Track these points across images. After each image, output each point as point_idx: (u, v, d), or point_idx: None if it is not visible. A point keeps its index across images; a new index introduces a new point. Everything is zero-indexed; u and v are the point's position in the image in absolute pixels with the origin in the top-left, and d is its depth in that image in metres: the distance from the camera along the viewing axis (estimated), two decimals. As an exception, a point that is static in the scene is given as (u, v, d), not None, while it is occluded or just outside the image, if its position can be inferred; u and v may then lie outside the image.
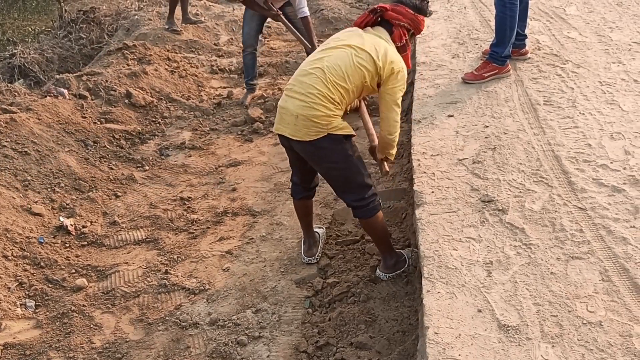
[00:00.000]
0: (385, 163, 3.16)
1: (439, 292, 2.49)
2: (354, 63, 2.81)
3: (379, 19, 3.05)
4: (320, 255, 3.50)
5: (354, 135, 2.96)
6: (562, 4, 5.54)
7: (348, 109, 3.14)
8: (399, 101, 2.89)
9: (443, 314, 2.38)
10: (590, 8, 5.36)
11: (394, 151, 3.08)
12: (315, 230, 3.59)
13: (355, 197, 3.00)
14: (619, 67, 4.19)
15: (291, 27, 5.34)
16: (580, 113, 3.69)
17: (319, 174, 3.25)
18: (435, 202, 3.08)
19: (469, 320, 2.34)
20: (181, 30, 6.96)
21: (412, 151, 3.58)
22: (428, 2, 3.10)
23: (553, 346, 2.17)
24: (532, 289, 2.45)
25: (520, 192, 3.06)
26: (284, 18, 5.26)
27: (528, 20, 4.60)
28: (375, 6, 3.07)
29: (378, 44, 2.88)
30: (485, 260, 2.63)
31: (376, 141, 3.09)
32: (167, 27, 6.97)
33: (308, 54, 5.43)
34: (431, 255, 2.71)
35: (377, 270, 3.24)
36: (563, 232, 2.73)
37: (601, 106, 3.74)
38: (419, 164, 3.42)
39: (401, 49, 3.01)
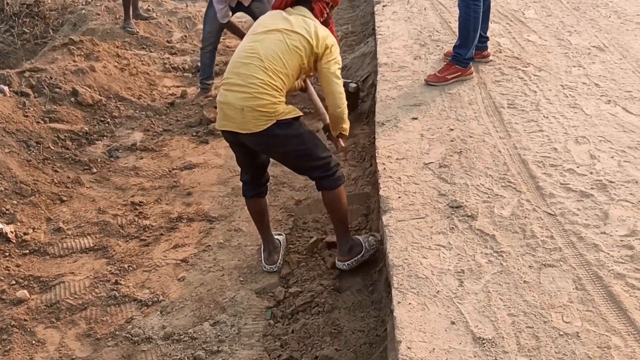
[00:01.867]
0: (340, 139, 3.18)
1: (410, 304, 2.37)
2: (288, 47, 2.80)
3: None
4: (281, 263, 3.34)
5: (301, 115, 2.93)
6: (521, 8, 5.56)
7: (293, 92, 3.16)
8: (338, 73, 2.91)
9: (415, 326, 2.26)
10: (548, 12, 5.39)
11: (346, 125, 3.09)
12: (276, 237, 3.44)
13: (319, 171, 2.95)
14: (579, 71, 4.20)
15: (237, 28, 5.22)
16: (544, 116, 3.65)
17: (268, 171, 3.23)
18: (403, 208, 2.97)
19: (443, 333, 2.23)
20: (137, 32, 6.67)
21: (376, 154, 3.46)
22: None
23: (530, 359, 2.08)
24: (506, 298, 2.36)
25: (489, 197, 2.98)
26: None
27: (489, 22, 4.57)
28: None
29: (306, 23, 2.88)
30: (457, 269, 2.53)
31: (328, 119, 3.15)
32: (124, 27, 6.67)
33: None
34: (400, 264, 2.59)
35: (336, 262, 3.16)
36: (534, 239, 2.65)
37: (564, 110, 3.71)
38: (384, 168, 3.30)
39: (324, 23, 3.04)
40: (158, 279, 3.33)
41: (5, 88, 4.72)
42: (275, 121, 2.76)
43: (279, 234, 3.52)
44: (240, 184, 4.15)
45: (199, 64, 5.68)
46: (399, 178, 3.21)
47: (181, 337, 2.91)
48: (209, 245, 3.58)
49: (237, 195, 4.09)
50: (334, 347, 2.76)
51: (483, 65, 4.44)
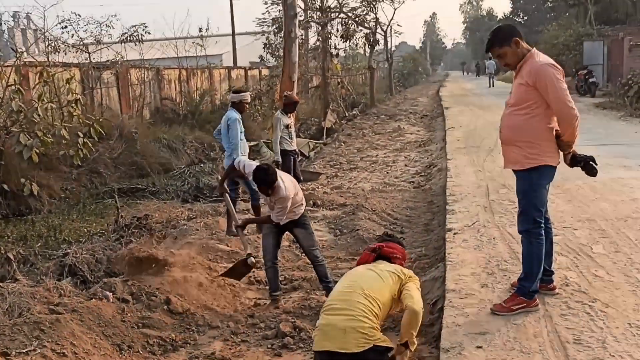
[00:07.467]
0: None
1: None
2: (382, 279, 3.46)
3: (377, 256, 3.79)
4: None
5: (392, 349, 3.34)
6: (589, 242, 5.79)
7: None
8: (417, 294, 3.50)
9: None
10: (616, 248, 5.57)
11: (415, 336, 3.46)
12: None
13: None
14: (648, 310, 4.25)
15: (232, 208, 6.65)
16: (610, 355, 3.68)
17: None
18: None
19: None
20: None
21: (440, 383, 3.57)
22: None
23: None
24: None
25: None
26: (227, 197, 6.52)
27: (555, 255, 4.80)
28: (373, 246, 3.87)
29: (391, 266, 3.66)
30: None
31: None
32: (230, 236, 7.58)
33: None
34: None
35: None
36: None
37: (632, 349, 3.73)
38: (447, 398, 3.38)
39: None
40: None
41: (110, 294, 5.32)
42: (372, 345, 3.16)
43: None
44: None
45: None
46: (461, 409, 3.27)
47: None
48: None
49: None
50: None
51: (549, 298, 4.59)
